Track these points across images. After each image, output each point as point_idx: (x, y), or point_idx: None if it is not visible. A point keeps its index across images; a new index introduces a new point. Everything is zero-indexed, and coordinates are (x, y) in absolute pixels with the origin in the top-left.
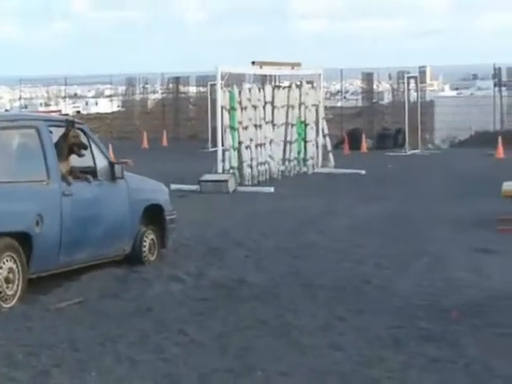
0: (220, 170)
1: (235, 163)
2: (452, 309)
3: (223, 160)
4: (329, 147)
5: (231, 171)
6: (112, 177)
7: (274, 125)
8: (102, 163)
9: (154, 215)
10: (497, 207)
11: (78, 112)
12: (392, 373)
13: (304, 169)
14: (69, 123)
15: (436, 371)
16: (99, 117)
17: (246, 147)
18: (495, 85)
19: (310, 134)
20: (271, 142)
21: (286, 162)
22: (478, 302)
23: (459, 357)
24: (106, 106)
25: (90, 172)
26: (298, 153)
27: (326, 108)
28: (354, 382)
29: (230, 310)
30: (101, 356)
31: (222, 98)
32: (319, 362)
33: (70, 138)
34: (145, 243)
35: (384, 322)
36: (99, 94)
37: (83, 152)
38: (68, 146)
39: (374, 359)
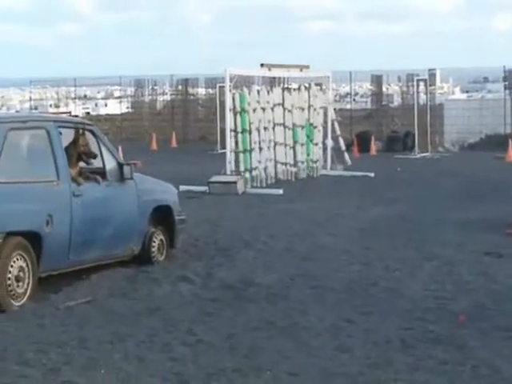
0: (229, 171)
1: (244, 165)
2: (460, 312)
3: (232, 162)
4: (343, 147)
5: (240, 173)
6: (121, 177)
7: (284, 127)
8: (111, 164)
9: (163, 216)
10: (506, 210)
11: (88, 113)
12: (399, 375)
13: (312, 171)
14: (77, 131)
15: (444, 374)
16: (109, 118)
17: (255, 149)
18: (505, 87)
19: (318, 137)
20: (281, 144)
21: (296, 164)
22: (486, 306)
23: (467, 359)
24: (115, 108)
25: (100, 173)
26: (308, 155)
27: (335, 110)
28: (362, 383)
29: (239, 311)
30: (110, 354)
31: (231, 100)
32: (327, 363)
33: (79, 146)
34: (154, 243)
35: (392, 325)
36: (108, 96)
37: (92, 161)
38: (77, 153)
39: (382, 361)
